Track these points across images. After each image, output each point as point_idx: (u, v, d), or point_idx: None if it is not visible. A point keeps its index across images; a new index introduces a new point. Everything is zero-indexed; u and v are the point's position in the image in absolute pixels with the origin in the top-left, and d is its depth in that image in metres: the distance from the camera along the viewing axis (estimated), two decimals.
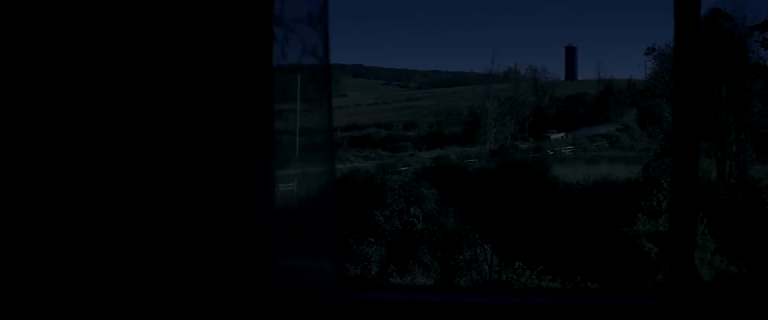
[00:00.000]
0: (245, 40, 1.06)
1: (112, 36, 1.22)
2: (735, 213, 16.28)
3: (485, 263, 14.71)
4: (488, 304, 1.19)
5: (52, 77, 1.34)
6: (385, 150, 25.50)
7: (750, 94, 19.35)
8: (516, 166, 19.71)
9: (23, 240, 1.41)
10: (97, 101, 1.26)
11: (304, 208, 0.86)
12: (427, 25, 44.52)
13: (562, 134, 25.97)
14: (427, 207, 16.62)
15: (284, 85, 0.99)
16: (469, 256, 15.33)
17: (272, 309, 0.85)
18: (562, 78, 35.40)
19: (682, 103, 1.19)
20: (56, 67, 1.33)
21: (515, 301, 1.50)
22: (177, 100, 1.11)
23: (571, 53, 43.24)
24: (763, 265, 14.42)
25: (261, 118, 0.96)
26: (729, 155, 18.80)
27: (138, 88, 1.18)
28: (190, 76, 1.11)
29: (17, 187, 1.34)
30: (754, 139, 19.08)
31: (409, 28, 43.99)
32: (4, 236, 1.40)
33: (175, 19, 1.13)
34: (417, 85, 37.79)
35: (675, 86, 1.29)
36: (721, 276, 14.33)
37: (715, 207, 16.14)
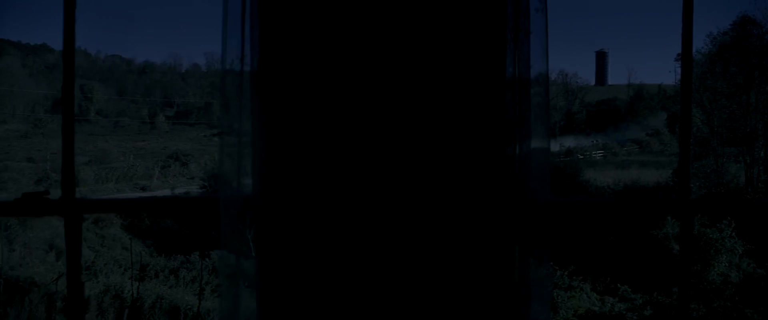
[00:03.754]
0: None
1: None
2: (763, 216, 16.52)
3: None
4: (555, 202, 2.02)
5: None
6: None
7: None
8: None
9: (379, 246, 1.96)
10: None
11: (536, 165, 1.90)
12: None
13: None
14: None
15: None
16: None
17: (520, 202, 1.91)
18: (593, 83, 35.63)
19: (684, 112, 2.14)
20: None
21: (594, 201, 2.74)
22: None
23: (601, 58, 43.27)
24: None
25: (520, 119, 1.95)
26: (757, 160, 19.09)
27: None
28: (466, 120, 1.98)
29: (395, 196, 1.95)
30: None
31: None
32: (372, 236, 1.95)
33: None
34: None
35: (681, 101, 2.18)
36: (749, 279, 14.50)
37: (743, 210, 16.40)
